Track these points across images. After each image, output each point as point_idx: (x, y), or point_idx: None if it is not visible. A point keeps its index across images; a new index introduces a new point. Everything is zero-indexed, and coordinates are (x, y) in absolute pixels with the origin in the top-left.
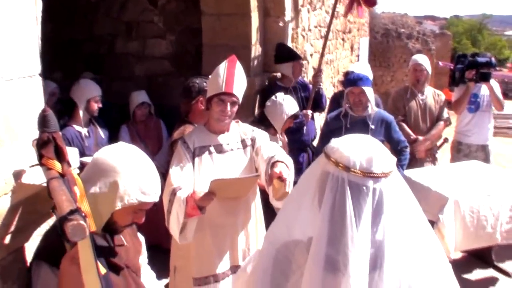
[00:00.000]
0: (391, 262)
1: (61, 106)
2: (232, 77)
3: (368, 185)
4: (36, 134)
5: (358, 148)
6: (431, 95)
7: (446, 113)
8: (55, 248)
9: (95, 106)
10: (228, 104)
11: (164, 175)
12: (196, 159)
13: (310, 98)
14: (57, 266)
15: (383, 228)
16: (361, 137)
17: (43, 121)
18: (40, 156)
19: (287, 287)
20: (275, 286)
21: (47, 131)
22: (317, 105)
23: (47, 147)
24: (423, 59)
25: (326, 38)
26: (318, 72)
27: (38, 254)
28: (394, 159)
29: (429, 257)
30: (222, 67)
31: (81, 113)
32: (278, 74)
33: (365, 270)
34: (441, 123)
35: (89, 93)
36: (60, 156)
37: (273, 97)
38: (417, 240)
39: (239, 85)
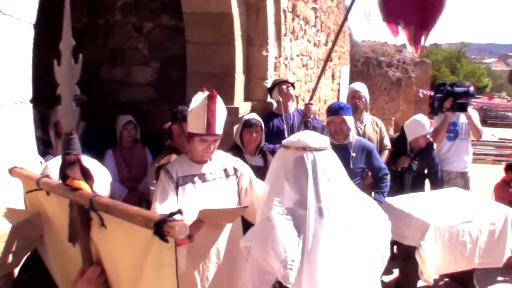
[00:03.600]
0: (352, 205)
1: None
2: (214, 117)
3: (327, 153)
4: (26, 160)
5: (308, 136)
6: (369, 123)
7: (387, 141)
8: (39, 278)
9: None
10: (211, 143)
11: (147, 201)
12: (180, 188)
13: (296, 128)
14: None
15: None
16: (305, 132)
17: (68, 144)
18: (64, 178)
19: (300, 236)
20: (294, 235)
21: (72, 153)
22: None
23: (73, 168)
24: (360, 87)
25: (320, 75)
26: (308, 104)
27: (22, 286)
28: (326, 138)
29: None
30: (203, 106)
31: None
32: (267, 103)
33: (345, 212)
34: (385, 152)
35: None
36: (86, 177)
37: None
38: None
39: (220, 122)
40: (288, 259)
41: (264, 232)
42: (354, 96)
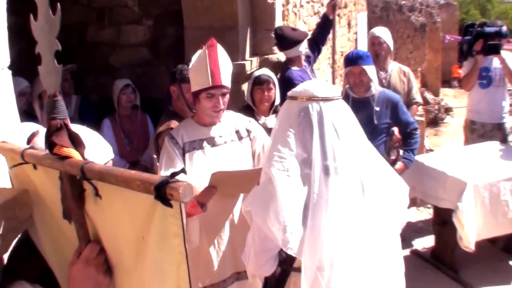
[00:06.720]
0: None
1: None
2: (217, 67)
3: (337, 104)
4: (8, 132)
5: (315, 85)
6: (396, 72)
7: (417, 94)
8: (31, 263)
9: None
10: (219, 97)
11: (151, 173)
12: (187, 155)
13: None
14: (38, 282)
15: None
16: (312, 81)
17: (52, 107)
18: (51, 146)
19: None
20: (296, 195)
21: (58, 118)
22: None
23: (60, 134)
24: (381, 31)
25: None
26: None
27: (13, 273)
28: (337, 88)
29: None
30: (203, 57)
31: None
32: (276, 57)
33: (356, 171)
34: (414, 107)
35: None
36: (76, 143)
37: None
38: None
39: (226, 73)
40: (289, 222)
41: (265, 193)
42: (374, 42)
